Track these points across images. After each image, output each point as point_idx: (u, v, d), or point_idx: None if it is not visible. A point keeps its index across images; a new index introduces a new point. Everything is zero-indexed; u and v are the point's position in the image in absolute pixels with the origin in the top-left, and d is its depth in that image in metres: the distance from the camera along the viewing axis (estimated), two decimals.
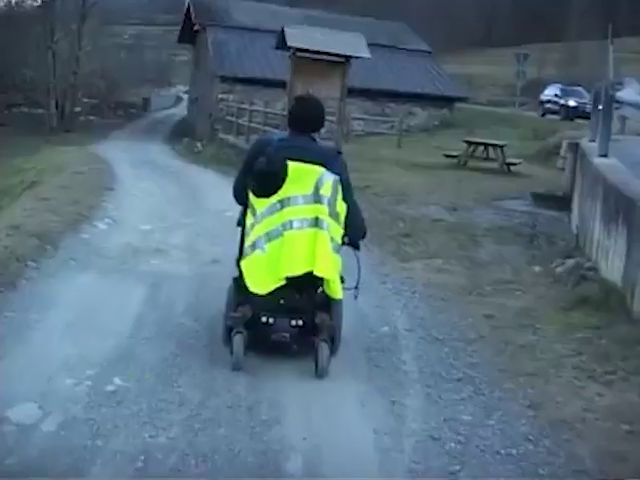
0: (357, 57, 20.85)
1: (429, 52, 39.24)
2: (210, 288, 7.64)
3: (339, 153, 6.18)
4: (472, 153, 21.37)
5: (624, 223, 7.60)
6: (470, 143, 21.40)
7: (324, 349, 5.47)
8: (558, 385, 5.66)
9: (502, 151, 20.70)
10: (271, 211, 5.53)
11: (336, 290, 5.66)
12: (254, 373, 5.55)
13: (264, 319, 5.60)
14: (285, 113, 21.26)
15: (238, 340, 5.45)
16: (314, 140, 5.92)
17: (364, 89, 31.49)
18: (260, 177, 5.56)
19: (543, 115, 38.98)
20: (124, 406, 4.88)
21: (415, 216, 12.75)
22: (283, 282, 5.51)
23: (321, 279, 5.58)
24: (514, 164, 20.51)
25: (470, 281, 8.54)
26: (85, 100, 45.36)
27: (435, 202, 14.26)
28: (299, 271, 5.47)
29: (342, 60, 21.26)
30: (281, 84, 23.10)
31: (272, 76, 30.72)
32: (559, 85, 40.30)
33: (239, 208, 6.13)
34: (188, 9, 37.94)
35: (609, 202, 8.53)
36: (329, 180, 5.59)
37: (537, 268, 9.34)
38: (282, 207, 5.52)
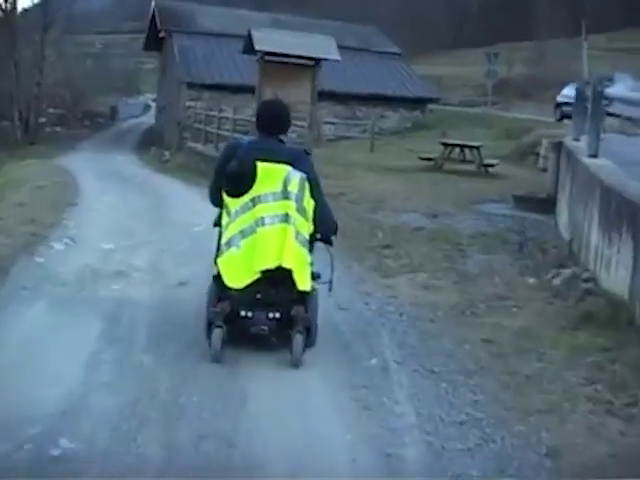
0: (327, 59, 20.11)
1: (399, 54, 38.51)
2: (176, 316, 6.87)
3: (307, 153, 6.43)
4: (448, 155, 20.71)
5: (629, 230, 6.88)
6: (446, 145, 20.69)
7: (299, 340, 5.68)
8: (574, 423, 4.90)
9: (479, 152, 20.08)
10: (244, 209, 5.82)
11: (303, 281, 5.85)
12: (225, 422, 4.78)
13: (243, 313, 5.82)
14: (254, 119, 20.50)
15: (217, 334, 5.65)
16: (282, 142, 6.19)
17: (334, 93, 30.76)
18: (232, 178, 5.83)
19: (561, 119, 30.91)
20: (70, 477, 4.05)
21: (394, 224, 12.03)
22: (258, 276, 5.77)
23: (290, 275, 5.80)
24: (491, 165, 19.85)
25: (461, 298, 7.76)
26: (51, 111, 44.09)
27: (414, 208, 13.55)
28: (271, 264, 5.73)
29: (312, 63, 20.53)
30: (250, 89, 22.32)
31: (241, 81, 29.97)
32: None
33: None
34: (153, 16, 37.00)
35: (608, 207, 7.81)
36: (296, 177, 5.88)
37: (531, 280, 8.60)
38: (254, 205, 5.80)
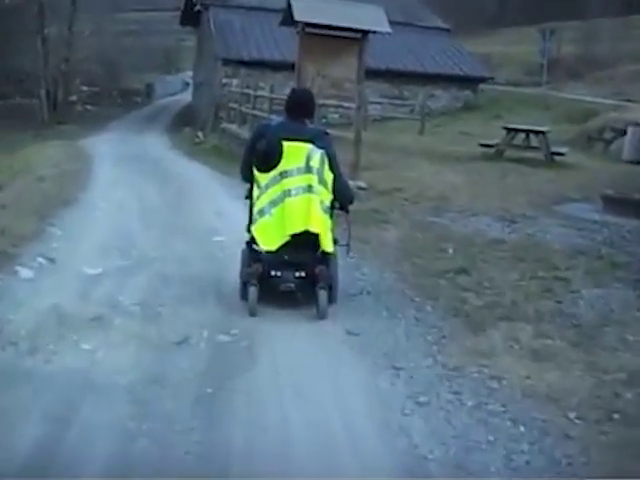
0: (376, 32, 17.33)
1: (447, 29, 35.40)
2: (160, 416, 4.22)
3: (326, 134, 6.70)
4: (510, 141, 17.81)
5: None
6: (509, 130, 17.76)
7: (323, 295, 6.17)
8: None
9: (545, 138, 17.16)
10: (273, 182, 6.31)
11: (327, 244, 6.36)
12: None
13: (273, 273, 6.31)
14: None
15: (252, 291, 6.17)
16: (304, 124, 6.56)
17: (379, 70, 27.85)
18: (262, 156, 6.33)
19: None
20: None
21: (465, 234, 9.36)
22: (288, 239, 6.27)
23: (318, 238, 6.28)
24: (560, 154, 16.95)
25: (593, 377, 4.96)
26: (84, 88, 41.48)
27: (484, 210, 10.87)
28: (299, 229, 6.22)
29: (359, 36, 17.77)
30: (291, 66, 19.59)
31: (281, 58, 27.35)
32: None
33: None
34: None
35: None
36: (317, 154, 6.35)
37: None
38: (282, 178, 6.29)
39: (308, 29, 17.48)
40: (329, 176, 6.41)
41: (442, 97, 31.23)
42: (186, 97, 46.22)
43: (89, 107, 40.41)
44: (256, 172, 6.38)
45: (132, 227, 9.64)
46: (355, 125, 12.13)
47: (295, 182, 6.25)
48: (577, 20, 54.24)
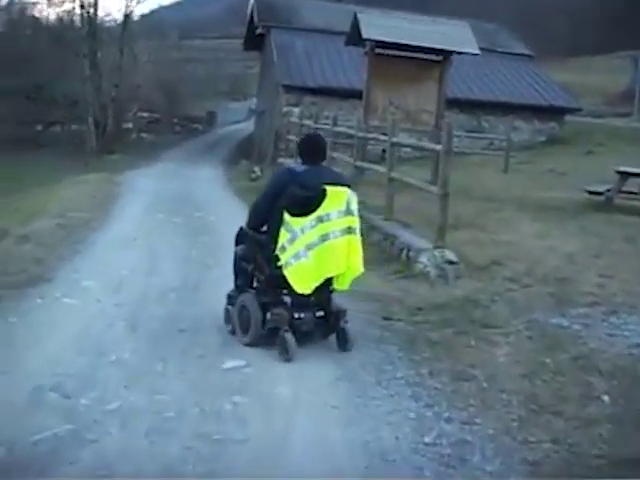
0: (461, 53, 13.94)
1: (530, 56, 31.66)
2: None
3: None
4: (620, 187, 14.09)
5: None
6: (623, 174, 14.03)
7: (347, 328, 6.27)
8: None
9: None
10: (310, 226, 6.00)
11: (349, 282, 6.34)
12: None
13: (296, 315, 6.12)
14: (360, 134, 14.43)
15: (289, 337, 5.95)
16: (324, 167, 6.50)
17: (456, 99, 24.40)
18: (300, 201, 5.99)
19: None
20: None
21: (616, 355, 5.92)
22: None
23: (332, 278, 6.21)
24: None
25: None
26: (144, 115, 38.65)
27: (625, 300, 7.38)
28: (340, 271, 6.18)
29: (439, 58, 14.40)
30: (359, 94, 16.30)
31: (348, 85, 24.09)
32: None
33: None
34: (252, 12, 31.13)
35: None
36: (354, 196, 6.31)
37: None
38: (319, 222, 6.02)
39: (378, 49, 14.22)
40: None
41: (524, 130, 27.51)
42: (250, 126, 43.34)
43: (144, 135, 37.53)
44: (288, 217, 6.02)
45: (109, 334, 6.14)
46: (442, 175, 8.53)
47: (335, 225, 6.08)
48: None
